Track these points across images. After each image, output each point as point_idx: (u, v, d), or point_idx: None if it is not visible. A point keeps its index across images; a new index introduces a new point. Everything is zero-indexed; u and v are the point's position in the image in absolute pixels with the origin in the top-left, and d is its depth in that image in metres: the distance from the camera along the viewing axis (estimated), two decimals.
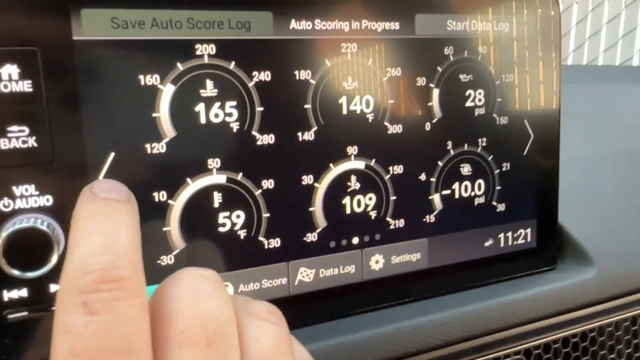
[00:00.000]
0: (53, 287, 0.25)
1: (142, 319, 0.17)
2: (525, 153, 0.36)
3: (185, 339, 0.18)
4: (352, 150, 0.31)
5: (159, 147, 0.27)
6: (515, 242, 0.37)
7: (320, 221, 0.31)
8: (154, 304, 0.19)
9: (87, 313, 0.16)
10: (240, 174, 0.29)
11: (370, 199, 0.32)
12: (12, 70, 0.24)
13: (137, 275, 0.18)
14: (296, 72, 0.29)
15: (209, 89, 0.27)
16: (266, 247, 0.30)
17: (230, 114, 0.28)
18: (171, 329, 0.18)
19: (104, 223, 0.19)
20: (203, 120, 0.27)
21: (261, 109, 0.29)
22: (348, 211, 0.31)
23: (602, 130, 0.56)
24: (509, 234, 0.36)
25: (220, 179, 0.28)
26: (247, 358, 0.19)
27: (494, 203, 0.36)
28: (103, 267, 0.17)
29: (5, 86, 0.24)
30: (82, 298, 0.16)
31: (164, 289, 0.19)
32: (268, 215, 0.29)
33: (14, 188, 0.24)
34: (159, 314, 0.18)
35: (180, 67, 0.27)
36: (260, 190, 0.29)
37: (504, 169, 0.36)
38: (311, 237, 0.31)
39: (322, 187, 0.31)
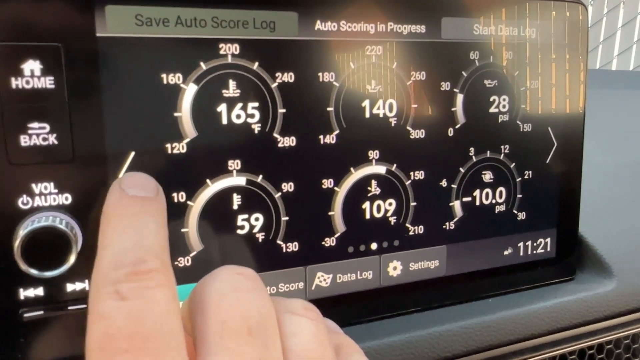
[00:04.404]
0: (70, 287, 0.25)
1: (173, 304, 0.18)
2: (547, 161, 0.35)
3: (226, 328, 0.18)
4: (373, 154, 0.31)
5: (180, 147, 0.26)
6: (534, 252, 0.36)
7: (339, 226, 0.30)
8: (194, 299, 0.19)
9: (120, 299, 0.17)
10: (260, 176, 0.28)
11: (390, 204, 0.31)
12: (34, 66, 0.23)
13: (165, 268, 0.18)
14: (320, 74, 0.29)
15: (232, 90, 0.27)
16: (284, 250, 0.29)
17: (252, 115, 0.28)
18: (212, 319, 0.18)
19: (133, 222, 0.19)
20: (224, 121, 0.27)
21: (283, 110, 0.28)
22: (367, 216, 0.31)
23: (624, 138, 0.55)
24: (529, 243, 0.36)
25: (240, 180, 0.28)
26: (288, 351, 0.19)
27: (515, 211, 0.35)
28: (133, 261, 0.18)
29: (27, 82, 0.23)
30: (114, 287, 0.17)
31: (203, 284, 0.19)
32: (287, 218, 0.29)
33: (33, 185, 0.24)
34: (200, 306, 0.19)
35: (203, 66, 0.26)
36: (279, 193, 0.29)
37: (525, 177, 0.35)
38: (329, 241, 0.30)
39: (342, 192, 0.30)
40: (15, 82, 0.23)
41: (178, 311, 0.18)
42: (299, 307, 0.21)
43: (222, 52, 0.27)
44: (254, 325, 0.18)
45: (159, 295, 0.17)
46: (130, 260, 0.18)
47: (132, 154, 0.25)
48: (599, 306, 0.37)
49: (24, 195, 0.24)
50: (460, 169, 0.33)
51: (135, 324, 0.17)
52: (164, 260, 0.18)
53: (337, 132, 0.29)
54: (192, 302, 0.19)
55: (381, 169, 0.31)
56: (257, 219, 0.28)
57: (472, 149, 0.33)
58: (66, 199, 0.24)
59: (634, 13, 2.22)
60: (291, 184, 0.29)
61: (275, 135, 0.28)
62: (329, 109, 0.29)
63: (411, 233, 0.32)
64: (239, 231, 0.28)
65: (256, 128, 0.28)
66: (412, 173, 0.32)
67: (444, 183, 0.33)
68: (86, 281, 0.25)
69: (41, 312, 0.24)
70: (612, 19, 2.27)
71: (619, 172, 0.49)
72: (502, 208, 0.35)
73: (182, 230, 0.27)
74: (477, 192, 0.34)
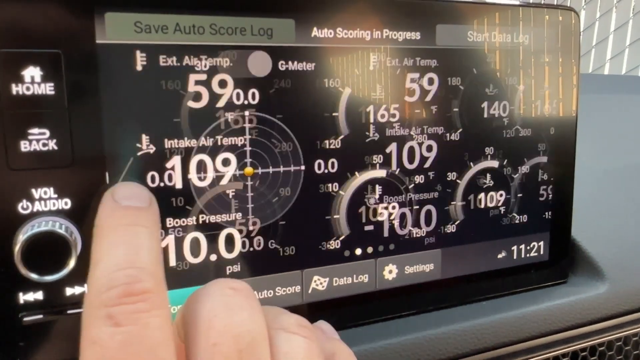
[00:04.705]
0: (69, 291, 0.25)
1: (166, 329, 0.17)
2: (541, 166, 0.36)
3: (217, 351, 0.18)
4: (377, 159, 0.31)
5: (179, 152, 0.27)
6: (528, 255, 0.37)
7: (344, 229, 0.31)
8: (186, 315, 0.19)
9: (113, 325, 0.17)
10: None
11: (385, 208, 0.32)
12: (34, 72, 0.23)
13: (159, 288, 0.18)
14: (317, 80, 0.29)
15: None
16: (281, 254, 0.30)
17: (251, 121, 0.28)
18: (203, 341, 0.18)
19: (126, 235, 0.19)
20: (222, 127, 0.27)
21: (280, 116, 0.28)
22: (363, 220, 0.31)
23: (617, 142, 0.56)
24: (522, 246, 0.36)
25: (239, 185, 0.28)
26: None
27: (509, 215, 0.36)
28: (126, 281, 0.17)
29: (28, 88, 0.23)
30: (107, 311, 0.17)
31: (195, 301, 0.19)
32: (284, 222, 0.29)
33: (33, 190, 0.24)
34: (191, 326, 0.18)
35: (201, 72, 0.27)
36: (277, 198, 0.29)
37: (519, 181, 0.35)
38: (327, 245, 0.31)
39: (346, 195, 0.30)
40: (16, 89, 0.23)
41: (171, 336, 0.18)
42: (292, 323, 0.20)
43: (219, 58, 0.27)
44: (244, 347, 0.18)
45: (153, 322, 0.17)
46: (123, 280, 0.17)
47: (131, 159, 0.26)
48: (592, 309, 0.37)
49: (24, 200, 0.24)
50: (456, 173, 0.33)
51: (128, 353, 0.16)
52: (157, 277, 0.18)
53: (342, 136, 0.30)
54: (184, 317, 0.19)
55: (383, 173, 0.31)
56: (254, 224, 0.29)
57: (467, 154, 0.33)
58: (65, 203, 0.25)
59: (625, 18, 2.23)
60: (288, 189, 0.29)
61: (274, 140, 0.29)
62: (334, 114, 0.29)
63: (407, 237, 0.33)
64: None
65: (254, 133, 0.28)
66: (411, 178, 0.32)
67: (439, 187, 0.33)
68: (85, 285, 0.25)
69: (40, 316, 0.25)
70: (605, 24, 2.29)
71: (611, 176, 0.49)
72: (496, 212, 0.35)
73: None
74: (471, 197, 0.34)
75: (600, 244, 0.40)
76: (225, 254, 0.28)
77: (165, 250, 0.27)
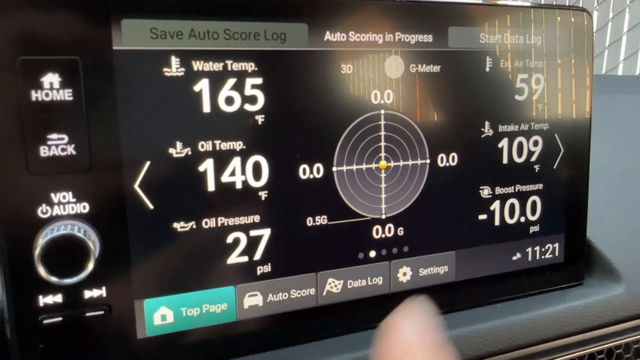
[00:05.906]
0: (88, 294, 0.25)
1: None
2: (555, 167, 0.36)
3: None
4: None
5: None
6: (543, 257, 0.36)
7: None
8: None
9: None
10: None
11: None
12: (53, 79, 0.24)
13: None
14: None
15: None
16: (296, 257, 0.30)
17: None
18: None
19: None
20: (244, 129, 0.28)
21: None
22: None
23: (631, 142, 0.56)
24: (537, 248, 0.36)
25: None
26: None
27: (523, 217, 0.35)
28: None
29: (47, 94, 0.24)
30: None
31: None
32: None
33: (52, 195, 0.25)
34: None
35: (217, 77, 0.27)
36: None
37: (533, 182, 0.35)
38: (342, 247, 0.31)
39: None
40: (35, 95, 0.24)
41: None
42: None
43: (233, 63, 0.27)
44: None
45: None
46: None
47: (148, 163, 0.26)
48: (608, 311, 0.37)
49: (43, 205, 0.24)
50: (470, 174, 0.33)
51: None
52: None
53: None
54: None
55: None
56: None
57: None
58: (84, 207, 0.25)
59: (639, 18, 2.21)
60: None
61: None
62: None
63: (420, 239, 0.33)
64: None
65: None
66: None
67: (454, 189, 0.33)
68: (103, 288, 0.26)
69: (60, 319, 0.25)
70: (618, 24, 2.27)
71: (625, 176, 0.49)
72: (510, 213, 0.35)
73: None
74: (486, 198, 0.34)
75: (616, 245, 0.40)
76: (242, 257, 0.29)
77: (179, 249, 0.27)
